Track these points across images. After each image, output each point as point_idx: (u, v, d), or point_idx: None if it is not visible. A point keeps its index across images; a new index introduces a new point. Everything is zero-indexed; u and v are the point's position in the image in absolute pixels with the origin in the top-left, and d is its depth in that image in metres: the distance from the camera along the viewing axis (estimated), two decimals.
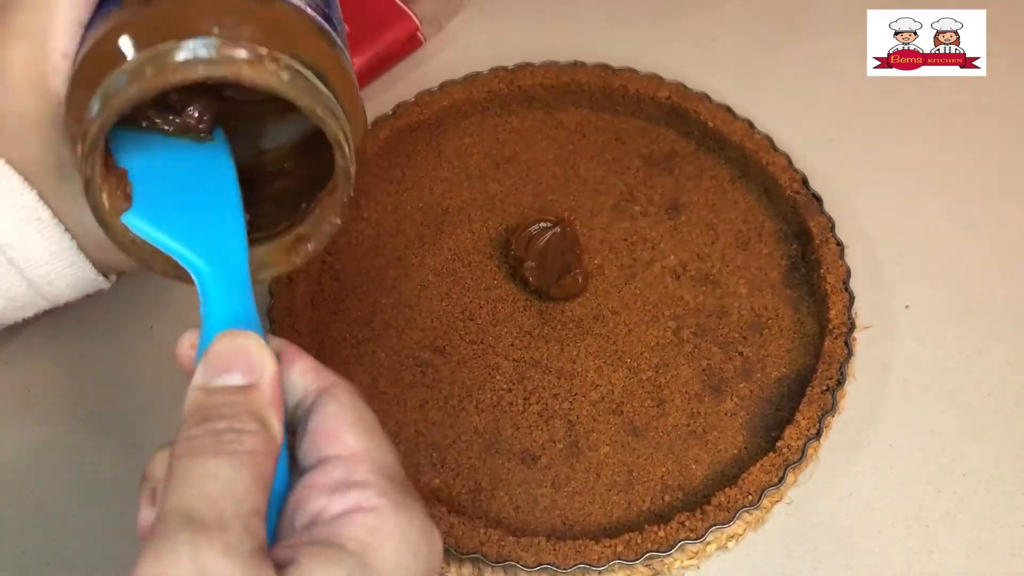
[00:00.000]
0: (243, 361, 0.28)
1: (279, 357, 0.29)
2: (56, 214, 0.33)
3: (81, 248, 0.34)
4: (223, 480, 0.25)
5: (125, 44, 0.29)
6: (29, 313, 0.36)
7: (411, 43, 0.60)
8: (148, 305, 0.51)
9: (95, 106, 0.29)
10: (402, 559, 0.26)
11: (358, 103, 0.32)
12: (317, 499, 0.27)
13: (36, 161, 0.32)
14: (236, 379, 0.27)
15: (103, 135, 0.29)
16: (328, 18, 0.32)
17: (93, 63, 0.30)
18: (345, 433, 0.28)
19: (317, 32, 0.31)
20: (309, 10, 0.31)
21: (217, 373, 0.28)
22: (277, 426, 0.27)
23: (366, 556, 0.25)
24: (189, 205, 0.32)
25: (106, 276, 0.37)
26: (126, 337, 0.50)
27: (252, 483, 0.25)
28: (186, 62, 0.28)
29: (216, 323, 0.29)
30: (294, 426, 0.30)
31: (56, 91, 0.31)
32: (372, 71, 0.58)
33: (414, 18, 0.59)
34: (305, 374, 0.30)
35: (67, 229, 0.34)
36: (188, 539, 0.24)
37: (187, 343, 0.30)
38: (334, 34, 0.32)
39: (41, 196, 0.33)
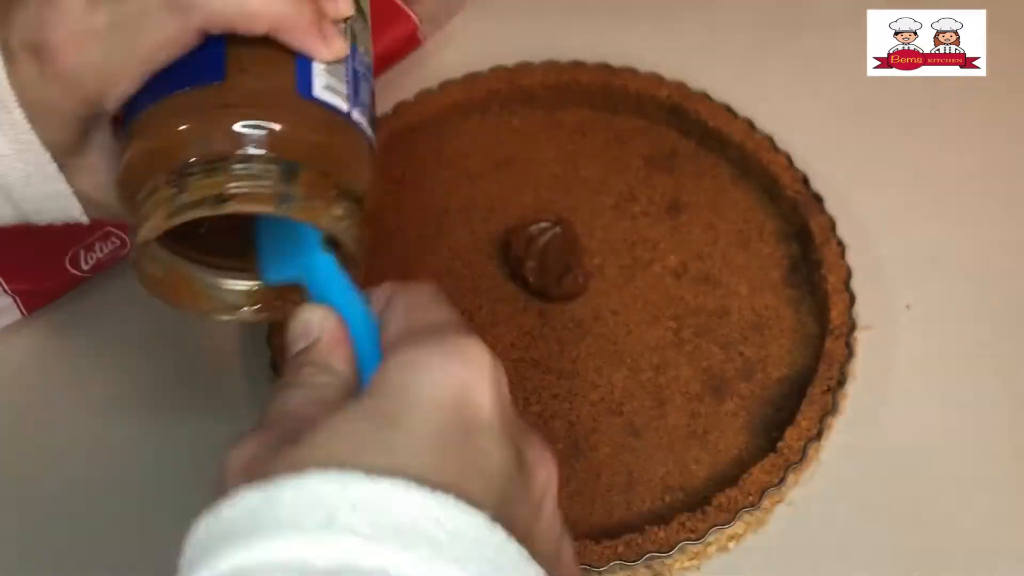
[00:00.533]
0: (306, 331, 0.32)
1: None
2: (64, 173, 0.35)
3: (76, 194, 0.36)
4: (283, 403, 0.30)
5: (181, 160, 0.32)
6: (9, 224, 0.38)
7: (411, 43, 0.59)
8: (148, 305, 0.51)
9: (144, 219, 0.32)
10: None
11: (377, 185, 0.35)
12: None
13: (52, 143, 0.34)
14: (303, 343, 0.32)
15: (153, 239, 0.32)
16: (368, 109, 0.35)
17: (145, 163, 0.32)
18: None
19: (367, 151, 0.34)
20: (356, 115, 0.34)
21: (292, 346, 0.32)
22: (339, 364, 0.31)
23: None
24: (286, 238, 0.35)
25: None
26: (125, 337, 0.50)
27: (307, 401, 0.29)
28: (246, 198, 0.31)
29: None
30: None
31: (105, 108, 0.33)
32: (372, 71, 0.58)
33: (413, 18, 0.59)
34: (376, 301, 0.33)
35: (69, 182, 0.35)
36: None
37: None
38: (372, 135, 0.35)
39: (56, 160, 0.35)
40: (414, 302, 0.31)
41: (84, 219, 0.37)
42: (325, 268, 0.34)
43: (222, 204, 0.31)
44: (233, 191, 0.31)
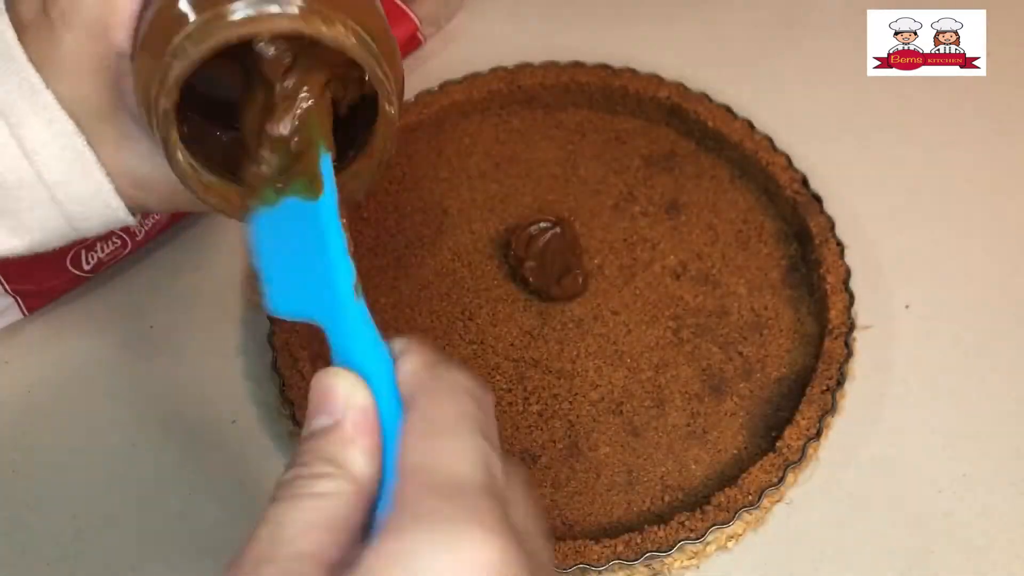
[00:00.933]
0: (328, 401, 0.28)
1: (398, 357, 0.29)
2: (95, 153, 0.36)
3: (117, 188, 0.37)
4: (279, 526, 0.26)
5: (186, 6, 0.31)
6: (60, 244, 0.38)
7: (411, 43, 0.60)
8: (148, 305, 0.51)
9: (167, 69, 0.31)
10: None
11: (399, 64, 0.35)
12: None
13: (85, 100, 0.35)
14: (323, 421, 0.28)
15: (174, 97, 0.31)
16: None
17: (159, 29, 0.32)
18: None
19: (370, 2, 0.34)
20: None
21: (312, 417, 0.28)
22: (358, 460, 0.27)
23: None
24: (301, 265, 0.32)
25: (133, 214, 0.38)
26: (126, 337, 0.50)
27: (307, 526, 0.26)
28: (254, 18, 0.31)
29: (337, 359, 0.29)
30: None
31: (116, 43, 0.34)
32: None
33: (414, 18, 0.59)
34: (412, 375, 0.29)
35: (106, 170, 0.36)
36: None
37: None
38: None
39: (83, 135, 0.35)
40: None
41: (127, 216, 0.37)
42: (353, 315, 0.29)
43: (224, 28, 0.31)
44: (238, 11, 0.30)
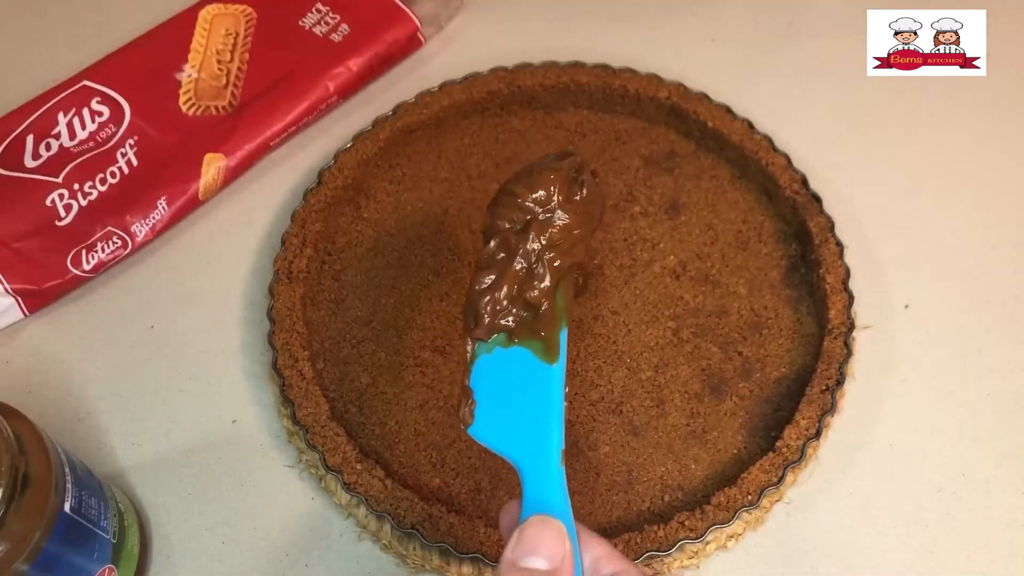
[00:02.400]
0: (548, 547, 0.31)
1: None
2: None
3: None
4: None
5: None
6: None
7: (411, 43, 0.60)
8: (148, 305, 0.51)
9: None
10: None
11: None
12: None
13: None
14: (541, 563, 0.30)
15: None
16: None
17: None
18: None
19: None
20: None
21: (526, 553, 0.31)
22: None
23: None
24: (517, 410, 0.36)
25: None
26: (126, 337, 0.50)
27: None
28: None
29: (531, 506, 0.33)
30: None
31: None
32: (372, 71, 0.58)
33: (414, 18, 0.59)
34: (597, 561, 0.33)
35: None
36: None
37: (507, 515, 0.35)
38: None
39: None
40: None
41: None
42: (556, 476, 0.34)
43: None
44: None
